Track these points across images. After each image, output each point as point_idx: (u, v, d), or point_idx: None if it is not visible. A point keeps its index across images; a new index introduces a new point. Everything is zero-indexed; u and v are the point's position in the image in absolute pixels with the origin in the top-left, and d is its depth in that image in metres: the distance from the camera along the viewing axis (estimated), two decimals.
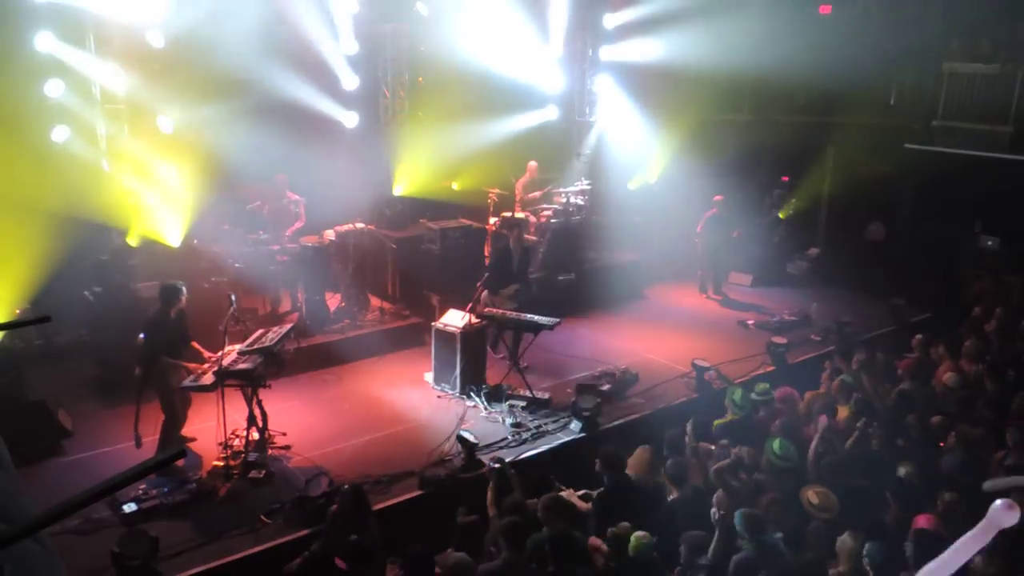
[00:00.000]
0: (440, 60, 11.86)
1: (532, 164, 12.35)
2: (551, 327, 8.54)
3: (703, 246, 12.37)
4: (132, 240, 9.07)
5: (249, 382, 6.71)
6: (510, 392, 8.36)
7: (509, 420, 7.88)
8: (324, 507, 5.76)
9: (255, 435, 6.90)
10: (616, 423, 8.01)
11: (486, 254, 11.41)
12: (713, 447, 6.36)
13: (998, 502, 3.01)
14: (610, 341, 10.29)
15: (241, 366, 6.64)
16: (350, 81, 11.17)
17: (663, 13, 12.57)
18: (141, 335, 6.74)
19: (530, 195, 12.21)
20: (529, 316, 8.64)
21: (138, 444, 6.64)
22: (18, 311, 8.09)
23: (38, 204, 7.86)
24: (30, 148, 8.56)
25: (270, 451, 6.96)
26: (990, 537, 2.84)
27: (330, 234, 10.04)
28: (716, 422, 6.94)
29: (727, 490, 5.52)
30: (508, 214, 11.82)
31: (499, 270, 9.35)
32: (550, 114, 13.35)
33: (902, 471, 5.73)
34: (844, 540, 4.73)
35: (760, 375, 9.06)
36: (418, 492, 6.61)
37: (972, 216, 12.72)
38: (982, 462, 6.12)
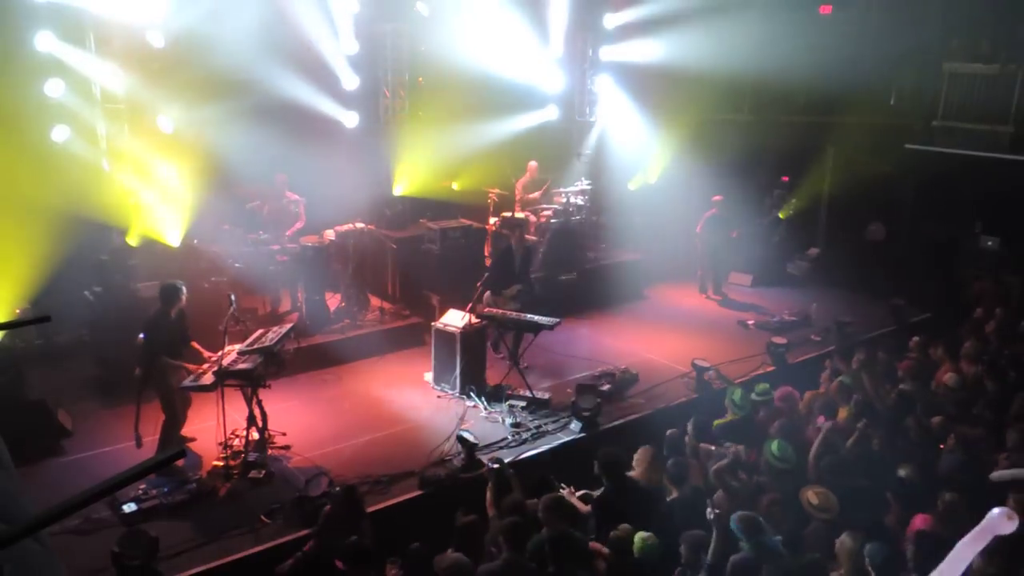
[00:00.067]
0: (440, 60, 11.85)
1: (532, 164, 12.36)
2: (551, 327, 8.54)
3: (703, 246, 12.37)
4: (132, 240, 9.07)
5: (249, 382, 6.71)
6: (510, 392, 8.36)
7: (509, 420, 7.88)
8: (324, 507, 5.77)
9: (255, 435, 6.90)
10: (616, 423, 8.01)
11: (486, 254, 11.43)
12: (713, 447, 6.36)
13: (996, 510, 3.01)
14: (610, 341, 10.29)
15: (241, 366, 6.64)
16: (350, 81, 11.17)
17: (663, 13, 12.57)
18: (141, 335, 6.73)
19: (530, 195, 12.22)
20: (529, 316, 8.64)
21: (138, 444, 6.64)
22: (18, 311, 8.09)
23: (38, 204, 7.87)
24: (30, 148, 8.57)
25: (270, 451, 6.96)
26: (985, 542, 2.84)
27: (330, 234, 10.04)
28: (716, 422, 6.94)
29: (727, 491, 5.52)
30: (508, 214, 11.83)
31: (501, 270, 9.35)
32: (550, 114, 13.35)
33: (903, 472, 5.73)
34: (843, 541, 4.72)
35: (760, 375, 9.06)
36: (418, 492, 6.61)
37: (972, 216, 12.71)
38: (982, 463, 6.11)
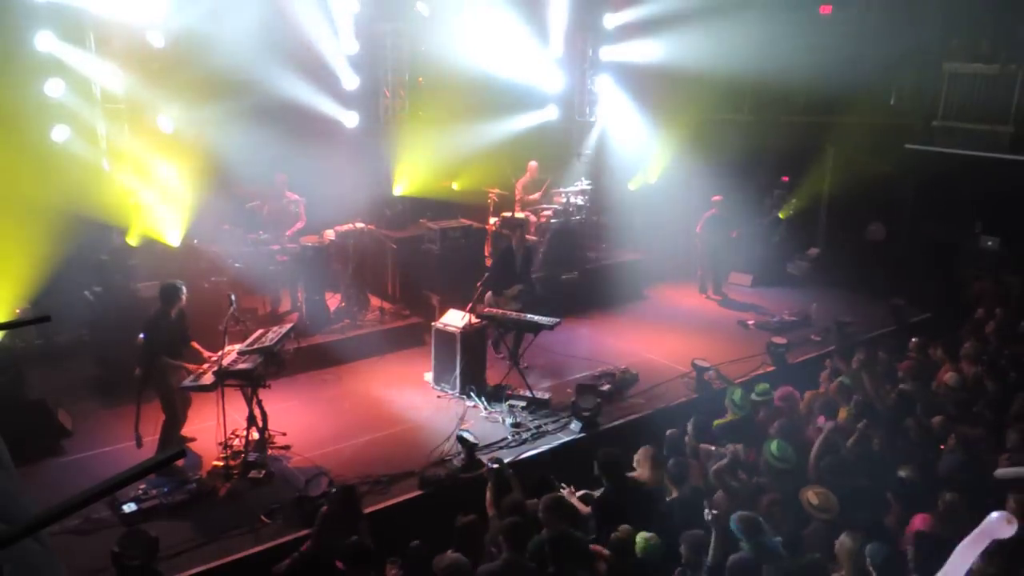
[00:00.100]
0: (440, 60, 11.84)
1: (532, 164, 12.36)
2: (551, 327, 8.54)
3: (702, 246, 12.38)
4: (132, 240, 9.07)
5: (249, 382, 6.71)
6: (510, 392, 8.36)
7: (509, 420, 7.88)
8: (321, 508, 5.76)
9: (255, 435, 6.90)
10: (616, 423, 8.01)
11: (486, 254, 11.43)
12: (713, 448, 6.36)
13: (995, 514, 3.01)
14: (610, 341, 10.30)
15: (241, 366, 6.64)
16: (350, 81, 11.17)
17: (663, 13, 12.56)
18: (141, 335, 6.73)
19: (530, 196, 12.21)
20: (529, 316, 8.64)
21: (139, 444, 6.64)
22: (18, 311, 8.09)
23: (38, 204, 7.86)
24: (30, 148, 8.57)
25: (270, 451, 6.96)
26: (984, 546, 2.84)
27: (330, 234, 10.04)
28: (716, 422, 6.93)
29: (727, 491, 5.52)
30: (508, 214, 11.83)
31: (503, 270, 9.35)
32: (550, 114, 13.35)
33: (903, 472, 5.73)
34: (843, 541, 4.72)
35: (760, 375, 9.06)
36: (418, 492, 6.61)
37: (972, 216, 12.71)
38: (983, 463, 6.11)
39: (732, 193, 12.36)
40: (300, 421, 7.66)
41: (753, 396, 7.23)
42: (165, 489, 6.26)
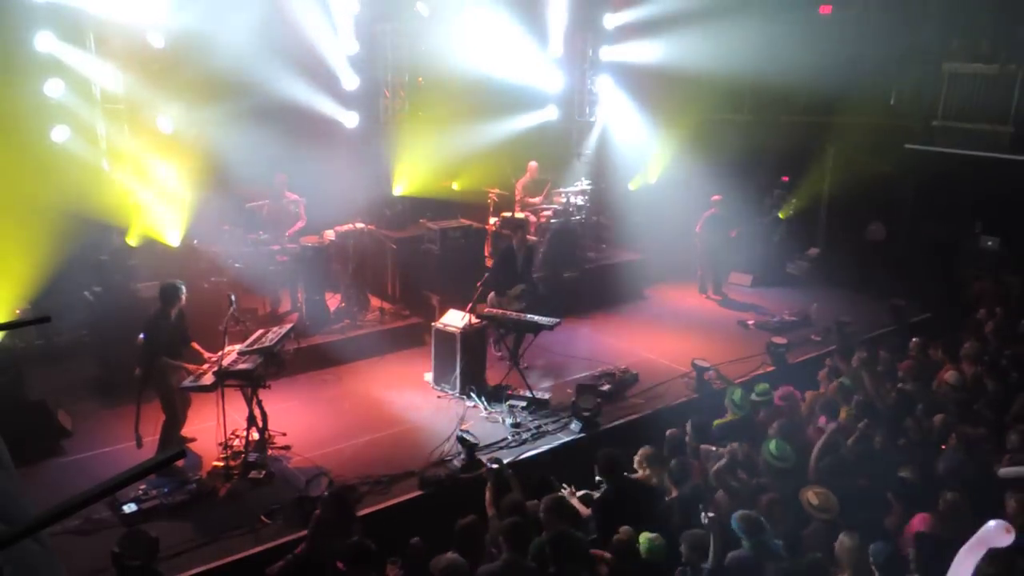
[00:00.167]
0: (440, 60, 11.84)
1: (532, 164, 12.36)
2: (551, 327, 8.54)
3: (702, 246, 12.38)
4: (132, 240, 9.07)
5: (249, 382, 6.70)
6: (510, 392, 8.35)
7: (509, 420, 7.88)
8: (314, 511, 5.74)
9: (255, 435, 6.89)
10: (616, 423, 8.01)
11: (486, 254, 11.42)
12: (714, 448, 6.35)
13: (992, 523, 3.01)
14: (610, 341, 10.30)
15: (241, 366, 6.63)
16: (350, 81, 11.17)
17: (663, 14, 12.56)
18: (141, 335, 6.73)
19: (532, 199, 12.20)
20: (529, 316, 8.63)
21: (139, 444, 6.64)
22: (18, 311, 8.09)
23: (38, 204, 7.87)
24: (30, 148, 8.56)
25: (270, 451, 6.96)
26: (981, 553, 2.84)
27: (330, 234, 10.04)
28: (716, 422, 6.94)
29: (727, 491, 5.52)
30: (508, 214, 11.83)
31: (504, 270, 9.34)
32: (550, 114, 13.34)
33: (903, 472, 5.72)
34: (843, 541, 4.72)
35: (760, 375, 9.06)
36: (418, 492, 6.61)
37: (972, 216, 12.72)
38: (983, 463, 6.11)
39: (732, 193, 12.36)
40: (300, 421, 7.66)
41: (753, 396, 7.23)
42: (165, 489, 6.26)
